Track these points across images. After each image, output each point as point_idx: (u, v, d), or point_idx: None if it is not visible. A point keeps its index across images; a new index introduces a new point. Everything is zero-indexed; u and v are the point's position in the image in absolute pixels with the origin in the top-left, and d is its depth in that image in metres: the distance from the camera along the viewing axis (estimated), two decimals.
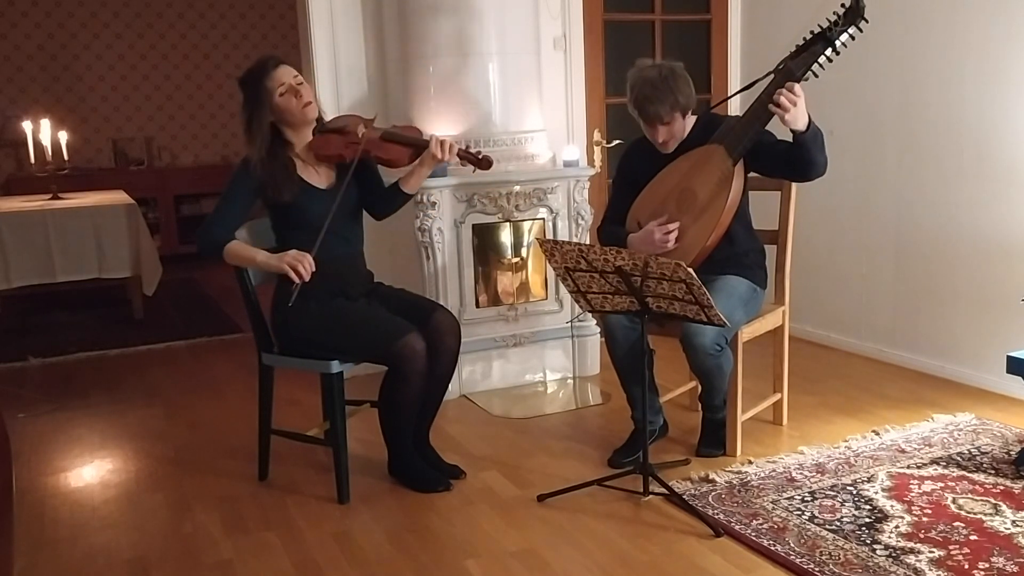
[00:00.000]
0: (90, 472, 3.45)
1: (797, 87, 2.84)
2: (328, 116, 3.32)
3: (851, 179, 4.47)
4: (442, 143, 3.11)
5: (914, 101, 4.15)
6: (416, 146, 3.16)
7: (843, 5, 2.93)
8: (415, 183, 3.22)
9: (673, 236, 3.12)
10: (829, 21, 2.93)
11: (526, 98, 4.18)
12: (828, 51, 2.93)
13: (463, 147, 3.21)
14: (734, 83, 5.07)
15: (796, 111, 2.82)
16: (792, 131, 2.89)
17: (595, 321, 4.18)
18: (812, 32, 2.96)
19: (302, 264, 2.89)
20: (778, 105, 2.82)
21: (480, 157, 3.16)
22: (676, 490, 2.92)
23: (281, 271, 2.93)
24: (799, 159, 2.97)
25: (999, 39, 3.75)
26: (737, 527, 2.72)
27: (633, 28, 5.01)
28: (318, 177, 3.09)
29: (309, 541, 2.80)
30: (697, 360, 3.10)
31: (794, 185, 3.40)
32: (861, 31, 2.95)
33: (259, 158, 2.98)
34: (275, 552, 2.73)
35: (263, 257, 2.98)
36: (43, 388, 4.53)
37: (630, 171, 3.40)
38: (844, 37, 2.93)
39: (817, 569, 2.46)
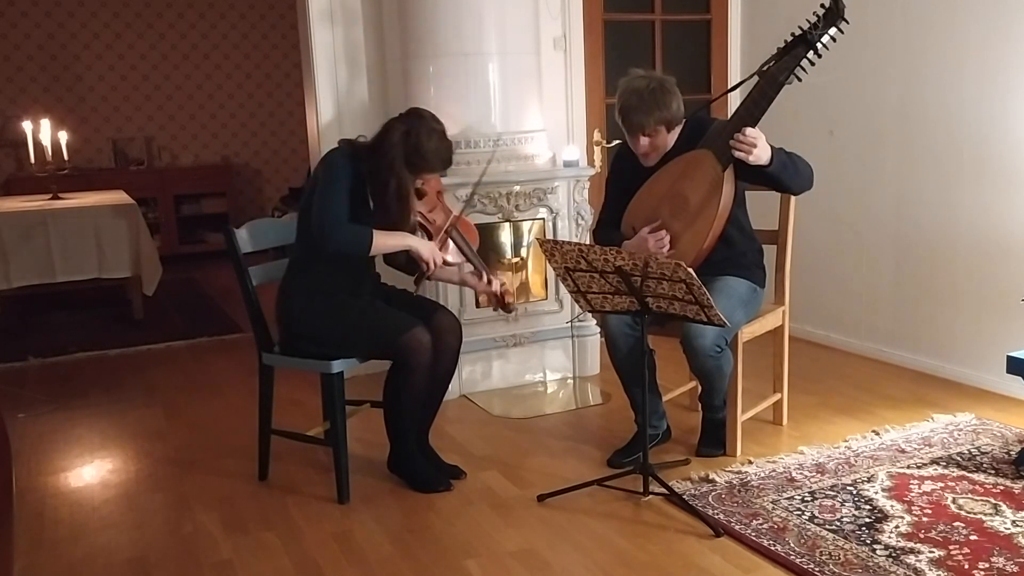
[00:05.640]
0: (90, 472, 3.45)
1: (751, 130, 2.92)
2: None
3: (851, 179, 4.47)
4: (491, 281, 3.19)
5: (914, 101, 4.15)
6: (473, 265, 3.22)
7: (823, 6, 2.92)
8: (439, 276, 3.24)
9: (667, 243, 3.12)
10: (809, 23, 2.91)
11: (526, 98, 4.18)
12: (810, 54, 2.92)
13: (501, 292, 3.22)
14: (734, 83, 5.07)
15: (758, 151, 2.93)
16: (759, 167, 2.97)
17: (595, 321, 4.18)
18: (793, 34, 2.94)
19: (436, 261, 3.03)
20: (740, 151, 2.92)
21: (507, 302, 3.23)
22: (676, 490, 2.92)
23: (421, 258, 3.01)
24: (775, 184, 3.10)
25: (999, 39, 3.75)
26: (737, 527, 2.72)
27: (633, 28, 5.01)
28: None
29: (309, 541, 2.80)
30: (697, 361, 3.10)
31: None
32: (842, 32, 2.94)
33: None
34: (275, 552, 2.74)
35: (414, 240, 3.02)
36: (43, 388, 4.53)
37: (620, 174, 3.40)
38: (825, 39, 2.92)
39: (817, 569, 2.46)
